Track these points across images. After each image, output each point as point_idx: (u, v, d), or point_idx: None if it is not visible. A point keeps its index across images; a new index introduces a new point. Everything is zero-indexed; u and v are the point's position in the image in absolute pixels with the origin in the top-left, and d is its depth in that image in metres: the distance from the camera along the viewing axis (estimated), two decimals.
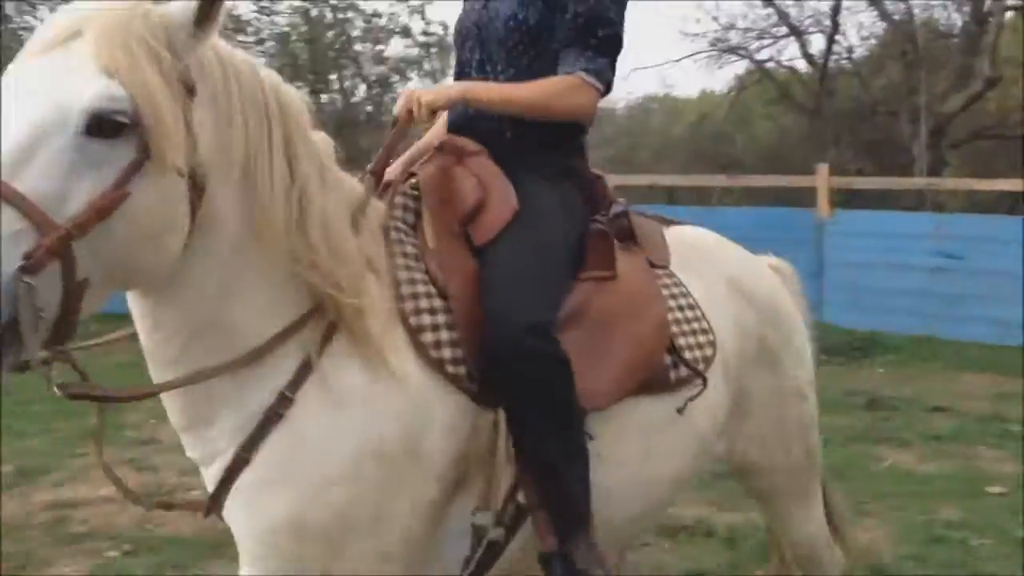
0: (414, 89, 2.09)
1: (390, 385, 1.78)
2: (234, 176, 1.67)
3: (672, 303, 2.21)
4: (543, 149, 2.17)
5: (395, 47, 15.98)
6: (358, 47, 15.44)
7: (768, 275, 2.59)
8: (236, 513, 1.77)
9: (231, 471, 1.73)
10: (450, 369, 1.86)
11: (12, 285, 1.37)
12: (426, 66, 16.19)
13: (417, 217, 2.04)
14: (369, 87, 16.03)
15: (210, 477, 1.80)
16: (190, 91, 1.58)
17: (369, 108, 15.97)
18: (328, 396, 1.75)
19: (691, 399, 2.15)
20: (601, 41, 2.12)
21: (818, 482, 2.67)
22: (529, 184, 2.10)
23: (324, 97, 15.78)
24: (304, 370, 1.74)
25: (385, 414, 1.76)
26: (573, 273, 2.12)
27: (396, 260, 1.92)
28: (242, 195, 1.69)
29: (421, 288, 1.91)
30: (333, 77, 15.78)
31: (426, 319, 1.87)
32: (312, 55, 14.83)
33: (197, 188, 1.60)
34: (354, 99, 16.09)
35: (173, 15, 1.57)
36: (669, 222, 2.52)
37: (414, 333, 1.85)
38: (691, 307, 2.25)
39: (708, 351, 2.23)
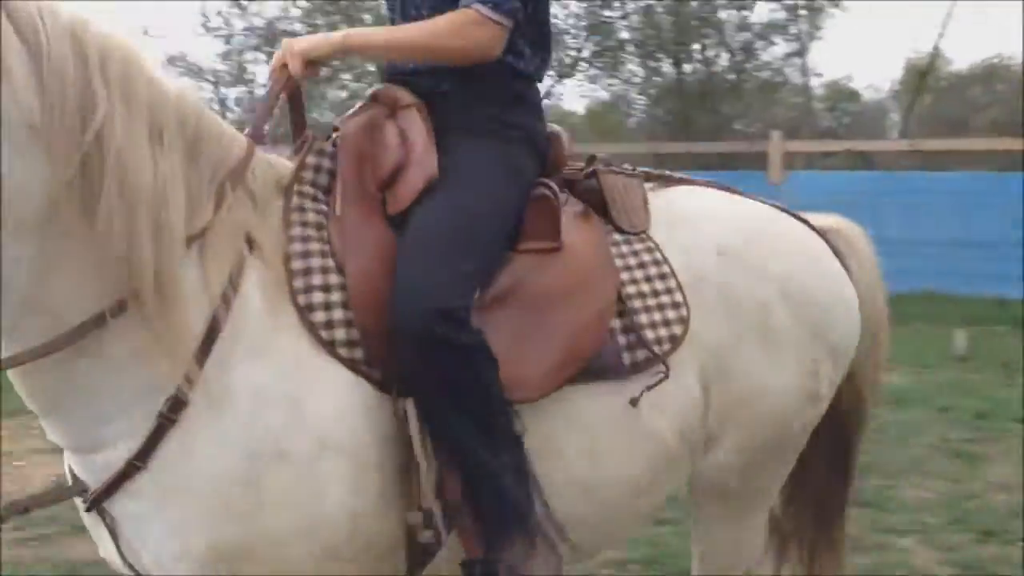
0: (291, 39, 1.86)
1: (277, 374, 1.60)
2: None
3: (638, 273, 1.89)
4: (483, 103, 1.89)
5: (760, 12, 15.64)
6: (722, 14, 15.26)
7: (789, 240, 2.08)
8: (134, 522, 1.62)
9: (122, 475, 1.56)
10: (343, 352, 1.64)
11: None
12: (792, 29, 15.70)
13: (332, 179, 1.79)
14: (732, 55, 15.82)
15: (90, 466, 1.61)
16: None
17: (731, 76, 15.76)
18: (210, 397, 1.56)
19: (649, 388, 1.81)
20: None
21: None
22: (464, 144, 1.85)
23: (687, 67, 15.78)
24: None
25: (274, 406, 1.58)
26: (511, 244, 1.85)
27: (292, 230, 1.70)
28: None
29: (316, 262, 1.68)
30: (696, 47, 15.73)
31: (317, 297, 1.65)
32: (676, 25, 14.86)
33: None
34: (716, 68, 15.94)
35: None
36: (677, 181, 2.16)
37: (303, 312, 1.63)
38: (663, 277, 1.90)
39: (676, 328, 1.87)
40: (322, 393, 1.61)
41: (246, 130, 1.78)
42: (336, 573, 1.64)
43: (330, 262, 1.69)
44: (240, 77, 15.90)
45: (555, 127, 2.04)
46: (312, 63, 1.81)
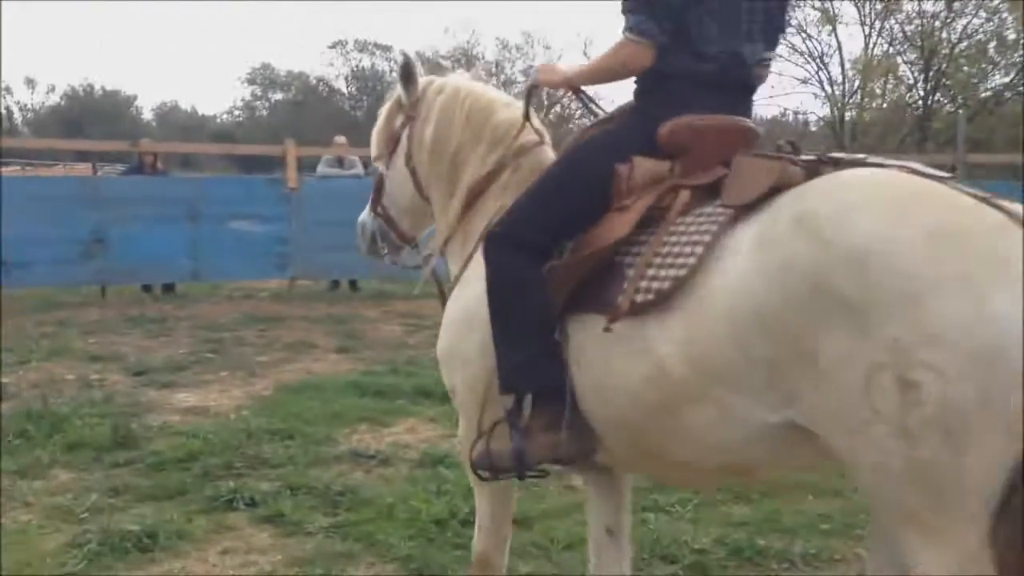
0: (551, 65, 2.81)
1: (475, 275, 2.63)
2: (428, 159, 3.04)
3: (682, 237, 2.16)
4: (627, 101, 2.59)
5: None
6: None
7: (889, 215, 1.81)
8: None
9: None
10: None
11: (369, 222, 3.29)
12: None
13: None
14: None
15: None
16: (411, 118, 3.07)
17: None
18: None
19: (635, 316, 2.16)
20: (626, 4, 2.41)
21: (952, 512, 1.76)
22: (593, 130, 2.65)
23: None
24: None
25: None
26: (605, 206, 2.38)
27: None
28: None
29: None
30: None
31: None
32: None
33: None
34: None
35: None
36: (851, 163, 2.10)
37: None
38: (693, 243, 2.11)
39: (666, 284, 2.11)
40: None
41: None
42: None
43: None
44: None
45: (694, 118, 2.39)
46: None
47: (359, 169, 12.40)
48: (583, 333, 2.31)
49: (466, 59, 46.03)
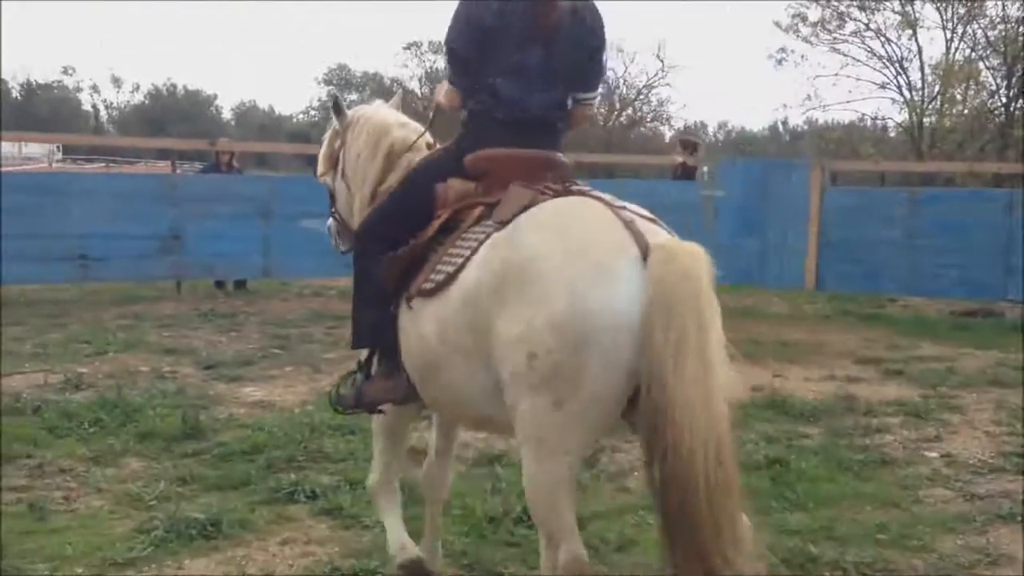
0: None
1: None
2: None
3: (463, 244, 2.78)
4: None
5: None
6: None
7: (547, 235, 2.52)
8: None
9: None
10: None
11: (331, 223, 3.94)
12: None
13: None
14: None
15: None
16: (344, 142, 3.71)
17: None
18: None
19: (423, 298, 2.84)
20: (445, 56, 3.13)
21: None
22: (429, 156, 3.37)
23: None
24: None
25: None
26: (429, 215, 3.02)
27: None
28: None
29: None
30: None
31: None
32: None
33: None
34: None
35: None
36: (565, 192, 2.80)
37: None
38: (470, 249, 2.72)
39: (440, 276, 2.76)
40: None
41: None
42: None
43: None
44: None
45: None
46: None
47: None
48: (402, 307, 2.96)
49: None
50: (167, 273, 11.54)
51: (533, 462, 2.51)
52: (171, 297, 11.33)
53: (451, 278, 2.72)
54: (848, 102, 26.91)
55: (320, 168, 3.97)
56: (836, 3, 26.00)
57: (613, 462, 5.08)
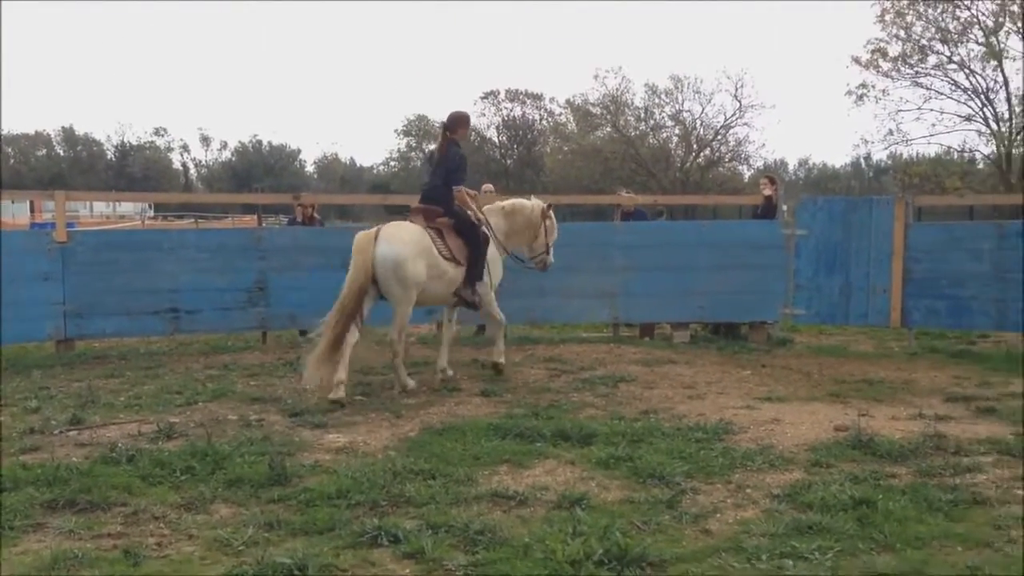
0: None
1: None
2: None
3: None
4: None
5: None
6: None
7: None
8: None
9: None
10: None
11: None
12: None
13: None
14: None
15: None
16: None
17: None
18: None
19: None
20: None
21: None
22: None
23: None
24: None
25: None
26: None
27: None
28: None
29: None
30: None
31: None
32: None
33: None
34: None
35: None
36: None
37: None
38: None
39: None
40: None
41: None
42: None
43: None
44: None
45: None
46: None
47: None
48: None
49: (615, 105, 46.49)
50: (253, 324, 11.84)
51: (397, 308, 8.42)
52: (257, 347, 11.61)
53: None
54: (932, 136, 26.42)
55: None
56: (917, 37, 25.68)
57: (695, 504, 5.03)
